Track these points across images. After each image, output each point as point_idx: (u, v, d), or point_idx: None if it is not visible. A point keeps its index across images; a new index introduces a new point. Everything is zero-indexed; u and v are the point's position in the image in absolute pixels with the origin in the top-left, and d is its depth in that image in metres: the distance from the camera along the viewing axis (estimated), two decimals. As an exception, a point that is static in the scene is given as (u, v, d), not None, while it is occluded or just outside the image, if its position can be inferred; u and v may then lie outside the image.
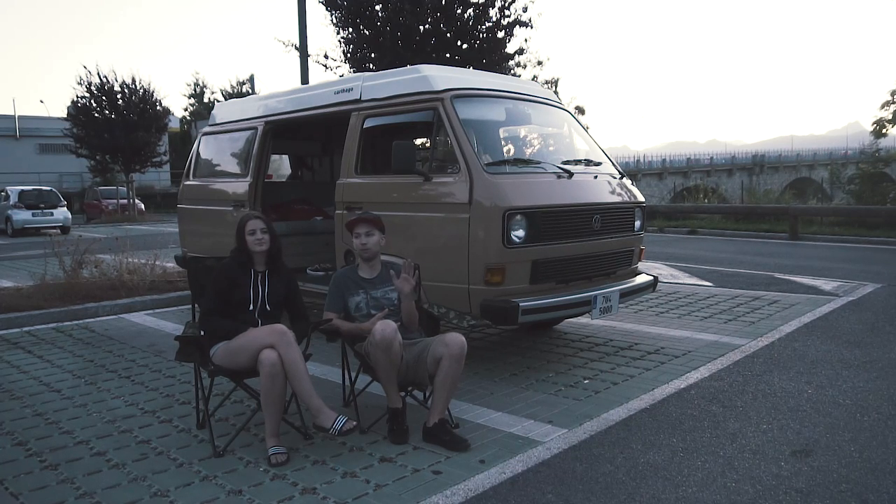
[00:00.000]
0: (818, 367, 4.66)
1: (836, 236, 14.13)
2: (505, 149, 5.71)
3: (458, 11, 11.81)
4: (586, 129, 5.82)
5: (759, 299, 7.18)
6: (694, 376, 4.48)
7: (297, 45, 11.10)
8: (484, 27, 12.16)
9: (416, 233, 4.63)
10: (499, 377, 4.57)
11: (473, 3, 11.93)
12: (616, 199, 5.05)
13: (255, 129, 6.28)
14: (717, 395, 4.11)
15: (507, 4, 12.18)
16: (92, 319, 6.80)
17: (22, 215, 20.10)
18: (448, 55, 11.80)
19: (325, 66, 12.88)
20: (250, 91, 25.71)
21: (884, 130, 20.79)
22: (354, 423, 3.22)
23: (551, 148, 6.08)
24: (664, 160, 47.89)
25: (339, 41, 12.55)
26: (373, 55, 12.12)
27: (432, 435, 3.39)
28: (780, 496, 2.80)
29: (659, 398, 4.06)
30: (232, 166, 6.72)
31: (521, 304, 4.17)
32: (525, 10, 12.32)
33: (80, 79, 25.39)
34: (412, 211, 4.65)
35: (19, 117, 36.51)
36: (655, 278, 5.46)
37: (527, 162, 5.25)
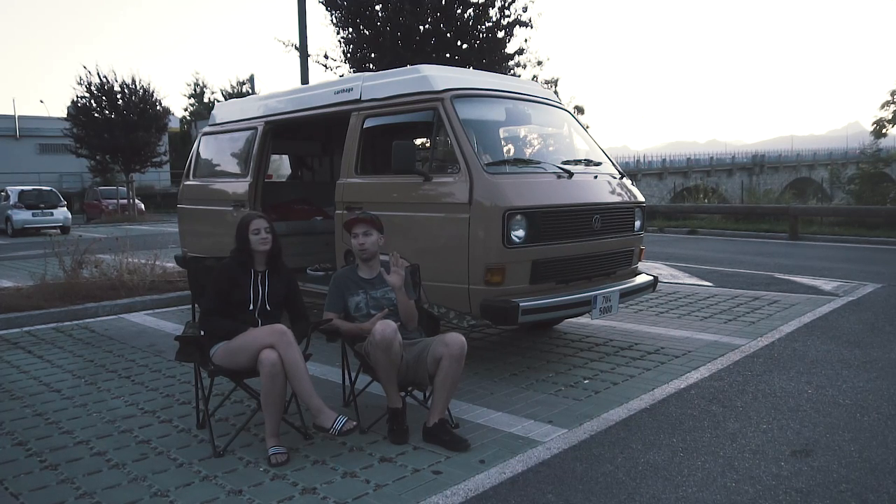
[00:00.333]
0: (818, 367, 4.66)
1: (836, 236, 14.13)
2: (505, 149, 5.71)
3: (458, 11, 11.81)
4: (586, 129, 5.82)
5: (759, 299, 7.18)
6: (694, 376, 4.48)
7: (297, 45, 11.10)
8: (484, 27, 12.16)
9: (416, 233, 4.63)
10: (499, 377, 4.57)
11: (473, 3, 11.92)
12: (616, 199, 5.05)
13: (255, 129, 6.28)
14: (717, 395, 4.11)
15: (507, 4, 12.18)
16: (92, 319, 6.80)
17: (22, 215, 20.11)
18: (448, 55, 11.80)
19: (325, 66, 12.89)
20: (250, 91, 25.71)
21: (884, 130, 20.80)
22: (354, 423, 3.22)
23: (551, 148, 6.08)
24: (664, 160, 47.88)
25: (339, 41, 12.55)
26: (373, 55, 12.12)
27: (432, 435, 3.39)
28: (780, 496, 2.80)
29: (659, 398, 4.06)
30: (232, 166, 6.72)
31: (521, 304, 4.17)
32: (525, 10, 12.33)
33: (80, 79, 25.43)
34: (412, 211, 4.65)
35: (19, 117, 36.51)
36: (655, 278, 5.46)
37: (527, 162, 5.25)
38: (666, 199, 36.17)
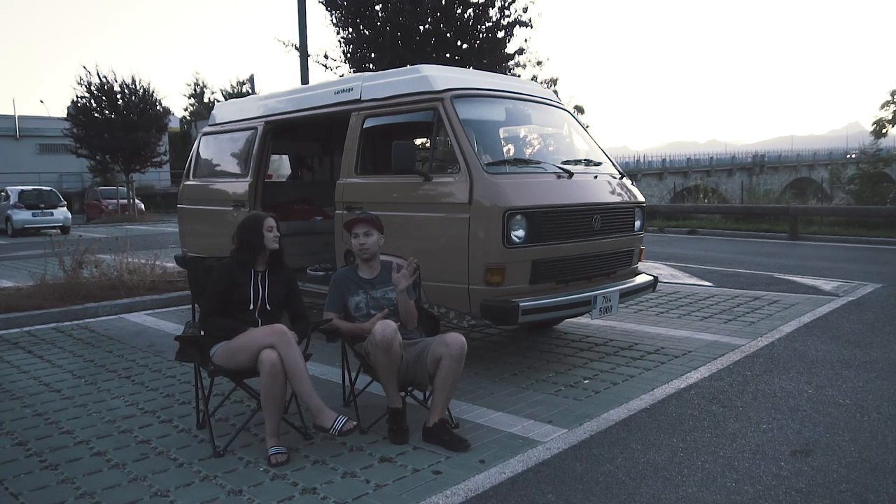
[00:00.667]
0: (818, 367, 4.66)
1: (836, 236, 14.13)
2: (505, 149, 5.71)
3: (458, 11, 11.81)
4: (586, 129, 5.82)
5: (759, 299, 7.18)
6: (694, 376, 4.48)
7: (297, 45, 11.10)
8: (484, 27, 12.16)
9: (416, 233, 4.63)
10: (499, 377, 4.57)
11: (473, 3, 11.92)
12: (616, 199, 5.05)
13: (255, 129, 6.28)
14: (717, 395, 4.11)
15: (507, 4, 12.18)
16: (92, 319, 6.80)
17: (22, 215, 20.12)
18: (448, 55, 11.80)
19: (325, 66, 12.89)
20: (250, 91, 25.71)
21: (884, 130, 20.80)
22: (354, 423, 3.22)
23: (551, 148, 6.08)
24: (664, 160, 47.87)
25: (339, 41, 12.55)
26: (373, 55, 12.12)
27: (432, 435, 3.39)
28: (780, 496, 2.80)
29: (659, 398, 4.06)
30: (232, 166, 6.72)
31: (521, 304, 4.17)
32: (525, 10, 12.32)
33: (80, 79, 25.45)
34: (412, 211, 4.65)
35: (19, 117, 36.52)
36: (655, 278, 5.46)
37: (527, 162, 5.25)
38: (666, 199, 36.18)
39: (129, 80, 25.87)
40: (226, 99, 38.15)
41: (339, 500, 2.83)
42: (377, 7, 11.83)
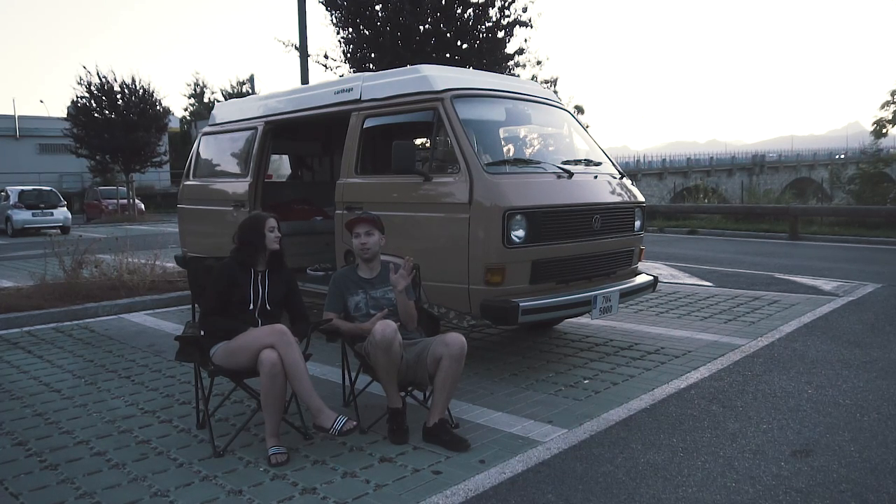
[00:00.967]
0: (818, 367, 4.66)
1: (836, 236, 14.13)
2: (505, 149, 5.71)
3: (458, 11, 11.80)
4: (586, 129, 5.82)
5: (759, 299, 7.18)
6: (694, 376, 4.48)
7: (297, 45, 11.10)
8: (484, 27, 12.15)
9: (416, 233, 4.63)
10: (499, 377, 4.57)
11: (473, 3, 11.92)
12: (616, 199, 5.05)
13: (255, 129, 6.28)
14: (717, 395, 4.11)
15: (507, 4, 12.17)
16: (92, 319, 6.80)
17: (22, 215, 20.12)
18: (448, 55, 11.79)
19: (325, 66, 12.88)
20: (250, 91, 25.71)
21: (884, 130, 20.79)
22: (354, 423, 3.22)
23: (551, 148, 6.08)
24: (664, 160, 47.88)
25: (339, 41, 12.54)
26: (373, 55, 12.11)
27: (432, 435, 3.39)
28: (780, 496, 2.80)
29: (659, 398, 4.06)
30: (232, 166, 6.72)
31: (521, 304, 4.16)
32: (525, 10, 12.31)
33: (80, 79, 25.44)
34: (412, 211, 4.65)
35: (19, 117, 36.51)
36: (655, 278, 5.46)
37: (527, 162, 5.25)
38: (666, 199, 36.18)
39: (129, 80, 25.89)
40: (226, 99, 38.15)
41: (339, 500, 2.83)
42: (377, 7, 11.82)
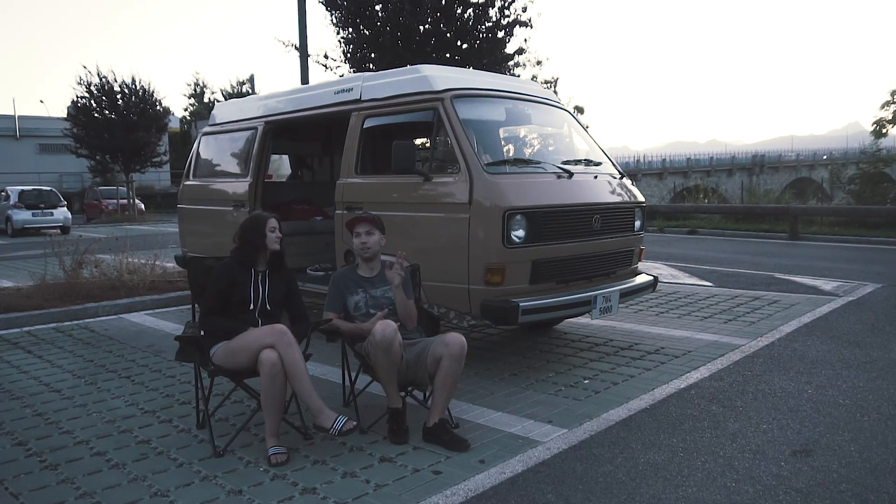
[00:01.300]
0: (818, 367, 4.66)
1: (836, 236, 14.13)
2: (505, 149, 5.71)
3: (458, 11, 11.81)
4: (586, 129, 5.82)
5: (759, 299, 7.18)
6: (694, 376, 4.48)
7: (297, 45, 11.10)
8: (484, 27, 12.15)
9: (416, 233, 4.63)
10: (499, 377, 4.57)
11: (473, 3, 11.92)
12: (616, 199, 5.05)
13: (255, 129, 6.28)
14: (717, 395, 4.11)
15: (506, 4, 12.18)
16: (92, 319, 6.80)
17: (22, 215, 20.11)
18: (448, 55, 11.79)
19: (325, 66, 12.89)
20: (250, 91, 25.71)
21: (884, 130, 20.79)
22: (354, 423, 3.22)
23: (551, 148, 6.08)
24: (664, 160, 47.87)
25: (339, 41, 12.55)
26: (373, 55, 12.12)
27: (432, 435, 3.39)
28: (780, 496, 2.80)
29: (659, 398, 4.06)
30: (232, 166, 6.72)
31: (521, 304, 4.17)
32: (525, 10, 12.32)
33: (80, 79, 25.44)
34: (412, 211, 4.65)
35: (19, 117, 36.50)
36: (655, 278, 5.46)
37: (527, 162, 5.25)
38: (666, 199, 36.18)
39: (129, 80, 25.89)
40: (226, 99, 38.14)
41: (339, 500, 2.83)
42: (377, 7, 11.83)
